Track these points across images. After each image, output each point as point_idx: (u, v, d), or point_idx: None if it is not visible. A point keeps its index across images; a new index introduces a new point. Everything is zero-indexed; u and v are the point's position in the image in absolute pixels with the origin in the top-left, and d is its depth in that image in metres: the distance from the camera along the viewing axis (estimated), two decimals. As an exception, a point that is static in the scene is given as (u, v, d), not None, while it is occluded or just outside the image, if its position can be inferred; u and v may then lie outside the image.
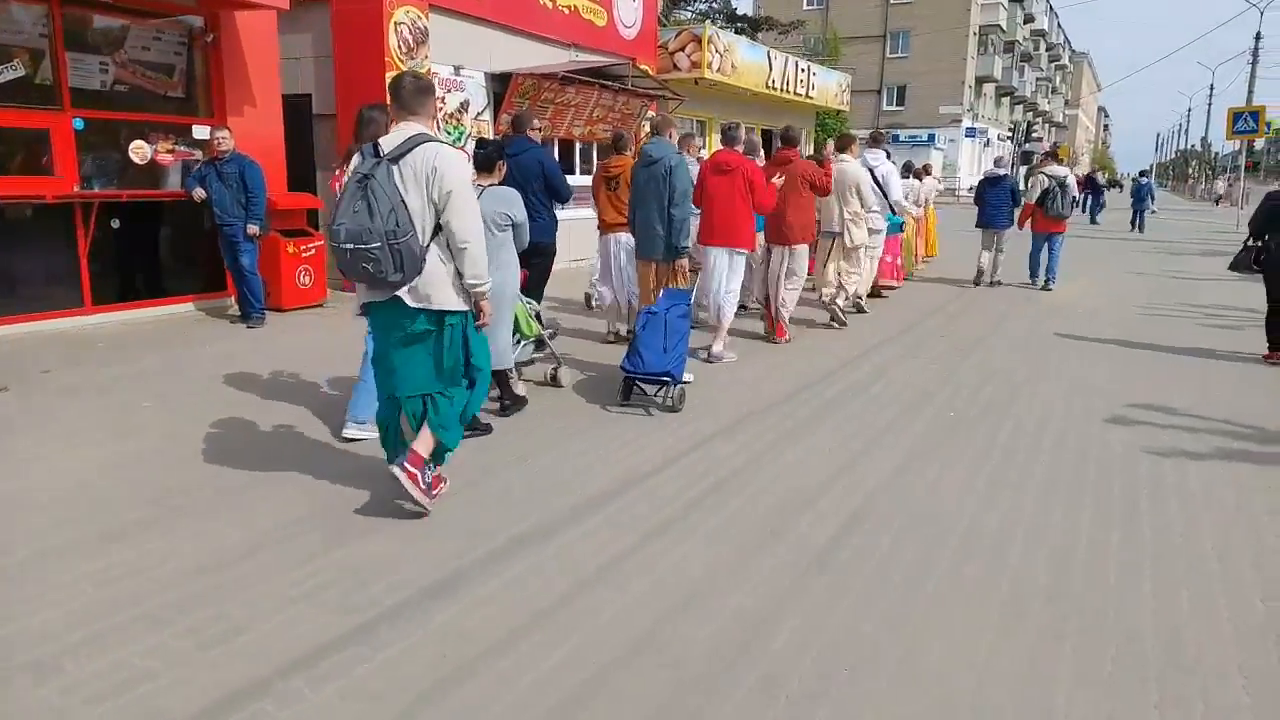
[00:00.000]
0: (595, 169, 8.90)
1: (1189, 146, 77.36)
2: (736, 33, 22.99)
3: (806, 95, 19.90)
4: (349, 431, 4.79)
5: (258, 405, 5.51)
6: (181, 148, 8.36)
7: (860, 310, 9.47)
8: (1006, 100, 59.42)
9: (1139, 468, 4.63)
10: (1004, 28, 52.94)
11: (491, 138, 11.38)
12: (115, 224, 7.94)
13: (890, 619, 3.03)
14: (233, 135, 7.77)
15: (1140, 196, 24.63)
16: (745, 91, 17.46)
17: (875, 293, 10.45)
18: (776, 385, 6.37)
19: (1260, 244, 7.46)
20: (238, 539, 3.55)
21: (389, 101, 3.75)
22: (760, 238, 7.65)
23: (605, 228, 7.71)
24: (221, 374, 6.26)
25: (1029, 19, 60.95)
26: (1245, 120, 24.00)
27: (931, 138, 46.93)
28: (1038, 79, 67.89)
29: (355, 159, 3.58)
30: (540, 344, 5.84)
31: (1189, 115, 73.89)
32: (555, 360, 6.08)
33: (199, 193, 7.64)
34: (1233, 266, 7.88)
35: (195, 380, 6.09)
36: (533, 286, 6.46)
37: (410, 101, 3.59)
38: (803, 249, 7.63)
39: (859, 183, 8.49)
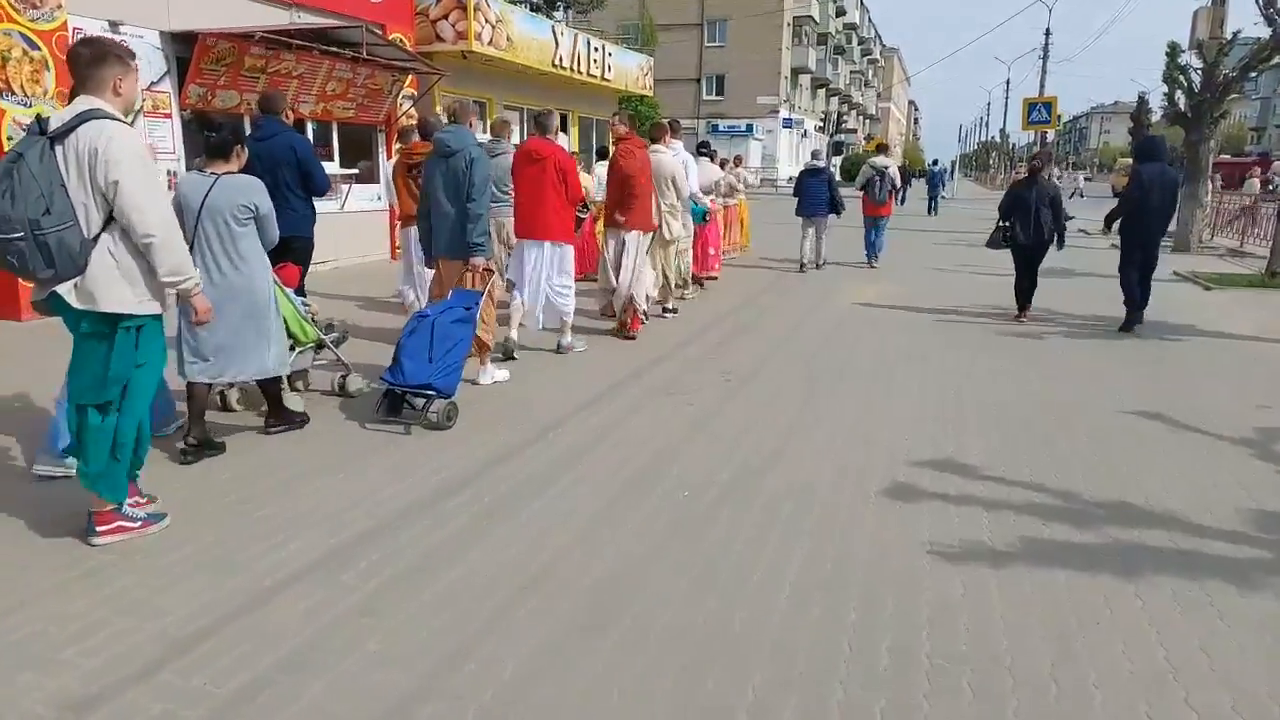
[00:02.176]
0: (396, 156, 7.94)
1: (989, 138, 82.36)
2: (532, 9, 21.08)
3: (602, 77, 18.26)
4: (40, 468, 3.98)
5: None
6: None
7: (665, 313, 8.68)
8: (822, 92, 60.57)
9: (919, 593, 3.11)
10: (816, 19, 53.68)
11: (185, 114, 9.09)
12: None
13: None
14: None
15: (934, 183, 27.14)
16: (530, 70, 15.61)
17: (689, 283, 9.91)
18: (525, 419, 4.79)
19: (1008, 224, 8.63)
20: None
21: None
22: None
23: (406, 220, 7.08)
24: None
25: (840, 12, 62.30)
26: (1039, 111, 24.52)
27: (750, 128, 46.85)
28: (851, 72, 69.95)
29: None
30: (321, 349, 5.27)
31: (989, 109, 78.66)
32: (344, 367, 5.55)
33: None
34: (989, 244, 9.04)
35: None
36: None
37: (83, 73, 3.17)
38: (634, 235, 7.32)
39: (674, 174, 8.06)
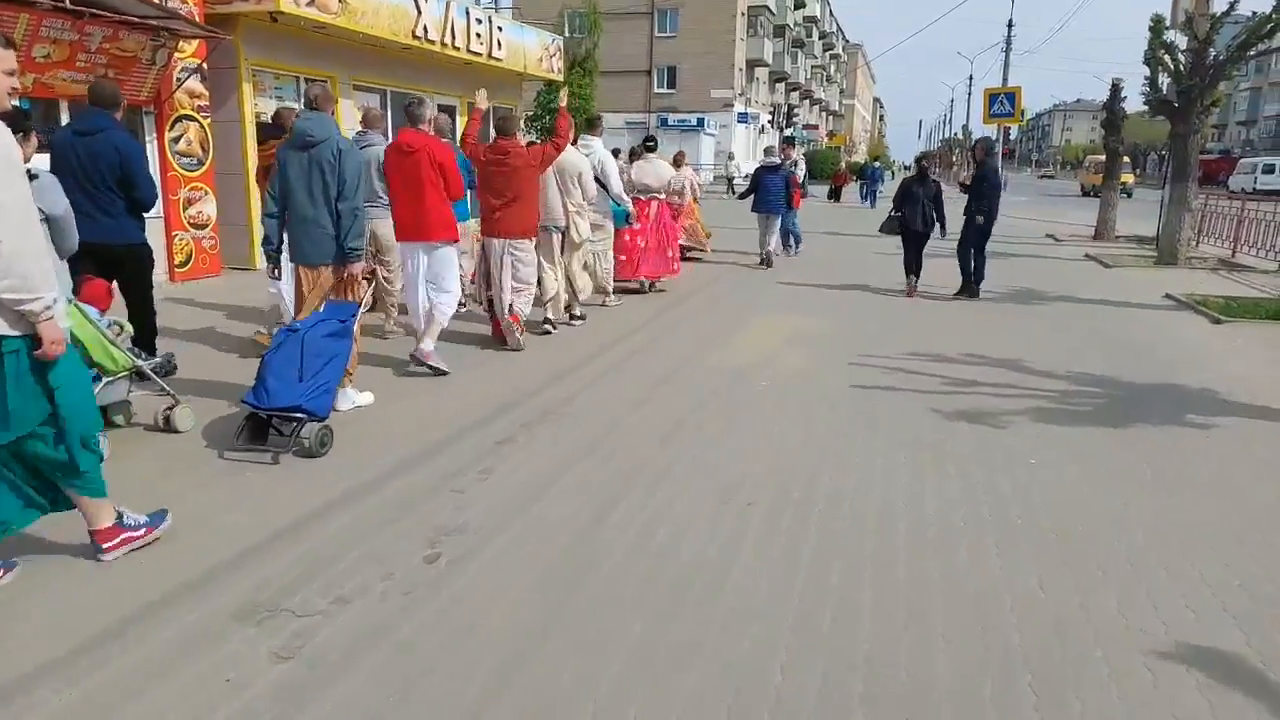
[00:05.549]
0: (257, 154, 7.51)
1: (952, 135, 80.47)
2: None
3: (490, 55, 15.30)
4: None
5: None
6: None
7: (573, 320, 8.06)
8: (781, 86, 57.94)
9: None
10: (773, 10, 51.03)
11: None
12: None
13: None
14: None
15: (872, 179, 31.22)
16: (386, 43, 12.67)
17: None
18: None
19: (900, 214, 9.96)
20: None
21: None
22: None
23: None
24: None
25: (799, 4, 59.67)
26: (1001, 103, 22.00)
27: (701, 122, 44.08)
28: (812, 66, 67.39)
29: None
30: (141, 378, 4.63)
31: (952, 105, 76.94)
32: (170, 398, 4.78)
33: None
34: (883, 229, 10.43)
35: None
36: (133, 301, 5.43)
37: None
38: (527, 243, 6.92)
39: (581, 172, 7.71)
